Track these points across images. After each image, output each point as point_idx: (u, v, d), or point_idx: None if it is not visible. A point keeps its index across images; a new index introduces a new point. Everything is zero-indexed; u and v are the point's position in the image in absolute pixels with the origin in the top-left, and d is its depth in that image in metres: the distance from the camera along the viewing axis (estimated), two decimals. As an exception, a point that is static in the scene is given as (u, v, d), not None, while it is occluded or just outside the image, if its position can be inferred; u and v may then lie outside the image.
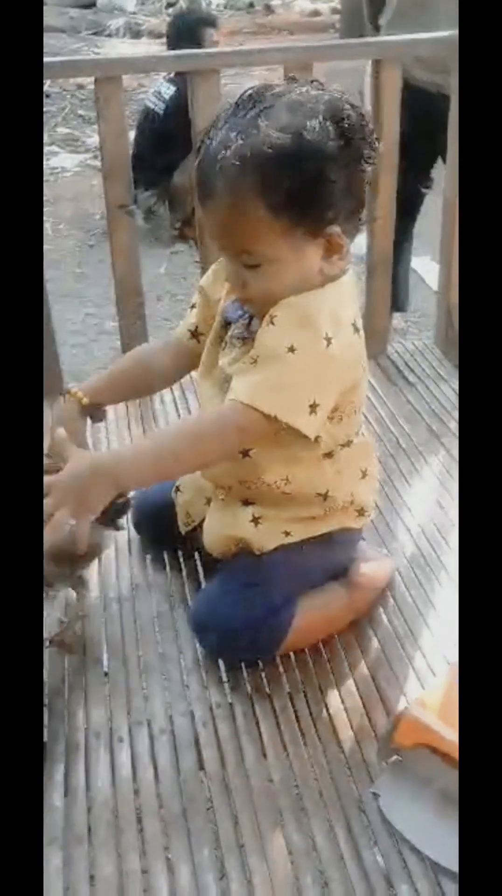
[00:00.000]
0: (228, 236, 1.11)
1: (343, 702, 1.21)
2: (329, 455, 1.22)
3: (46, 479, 1.05)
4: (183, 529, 1.41)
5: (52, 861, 1.03)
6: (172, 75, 3.67)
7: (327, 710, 1.19)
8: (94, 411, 1.32)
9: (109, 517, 1.22)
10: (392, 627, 1.33)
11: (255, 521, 1.25)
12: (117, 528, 1.28)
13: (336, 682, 1.24)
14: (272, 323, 1.09)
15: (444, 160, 2.08)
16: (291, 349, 1.07)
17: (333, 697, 1.21)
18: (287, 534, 1.25)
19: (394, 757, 1.10)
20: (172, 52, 2.42)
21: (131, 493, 1.28)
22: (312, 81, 1.12)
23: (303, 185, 1.04)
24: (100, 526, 1.20)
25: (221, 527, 1.30)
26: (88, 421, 1.33)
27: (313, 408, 1.09)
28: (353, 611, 1.33)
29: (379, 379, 2.04)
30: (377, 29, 2.37)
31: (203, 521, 1.35)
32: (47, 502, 1.03)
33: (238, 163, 1.04)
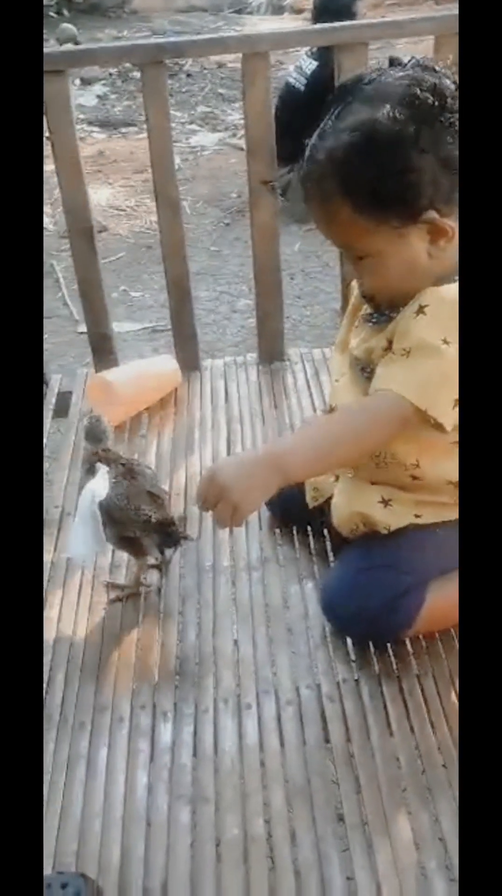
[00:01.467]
0: (328, 235, 1.14)
1: (473, 688, 1.18)
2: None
3: (211, 466, 1.08)
4: (310, 504, 1.42)
5: (181, 818, 1.06)
6: (314, 50, 3.64)
7: (456, 694, 1.18)
8: None
9: (162, 544, 1.34)
10: (526, 617, 1.29)
11: (385, 502, 1.24)
12: (163, 555, 1.37)
13: (466, 667, 1.21)
14: (423, 313, 1.08)
15: None
16: (445, 341, 1.06)
17: (463, 683, 1.19)
18: (417, 516, 1.23)
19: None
20: (320, 26, 2.39)
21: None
22: (410, 60, 1.09)
23: (382, 179, 1.04)
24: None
25: (350, 504, 1.29)
26: None
27: (456, 403, 1.08)
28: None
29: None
30: None
31: (331, 497, 1.35)
32: (209, 490, 1.05)
33: (320, 168, 1.07)
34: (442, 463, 1.20)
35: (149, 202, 1.95)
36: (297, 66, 3.84)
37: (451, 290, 1.09)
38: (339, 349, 1.32)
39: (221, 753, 1.13)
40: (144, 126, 1.87)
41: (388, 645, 1.25)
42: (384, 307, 1.18)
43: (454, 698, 1.17)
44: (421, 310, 1.09)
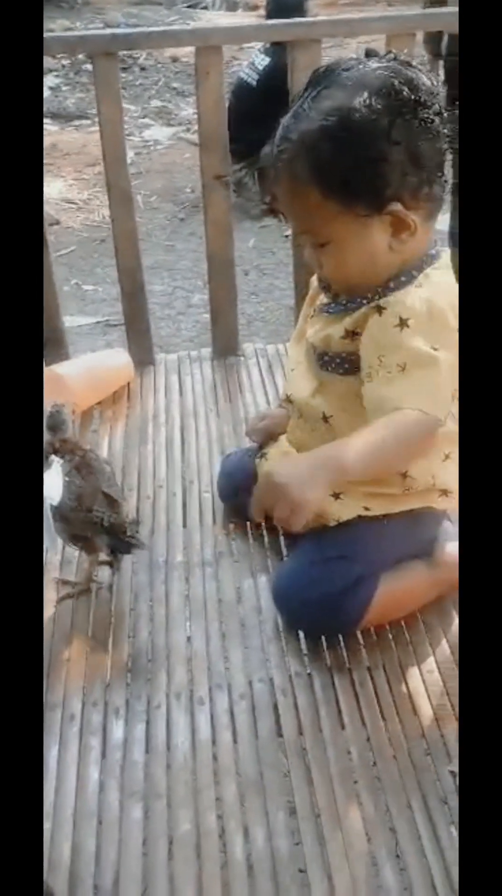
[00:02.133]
0: (293, 218, 1.14)
1: (423, 679, 1.20)
2: None
3: (265, 471, 1.12)
4: None
5: (132, 814, 1.05)
6: (268, 46, 3.65)
7: (407, 686, 1.19)
8: None
9: (114, 548, 1.32)
10: (476, 609, 1.31)
11: (336, 495, 1.25)
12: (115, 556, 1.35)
13: (417, 659, 1.23)
14: (407, 325, 1.09)
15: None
16: (434, 349, 1.08)
17: (413, 675, 1.21)
18: (366, 509, 1.25)
19: (475, 738, 1.09)
20: (273, 21, 2.40)
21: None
22: (387, 53, 1.10)
23: (351, 165, 1.04)
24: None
25: None
26: None
27: (454, 395, 1.10)
28: (436, 588, 1.32)
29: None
30: None
31: None
32: (266, 491, 1.06)
33: (292, 149, 1.06)
34: None
35: (102, 195, 1.94)
36: (250, 62, 3.84)
37: (421, 297, 1.10)
38: (296, 339, 1.33)
39: (173, 749, 1.13)
40: (97, 119, 1.85)
41: (340, 638, 1.25)
42: (341, 296, 1.19)
43: (404, 689, 1.19)
44: (403, 323, 1.09)
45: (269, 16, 3.72)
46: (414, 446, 1.13)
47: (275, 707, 1.17)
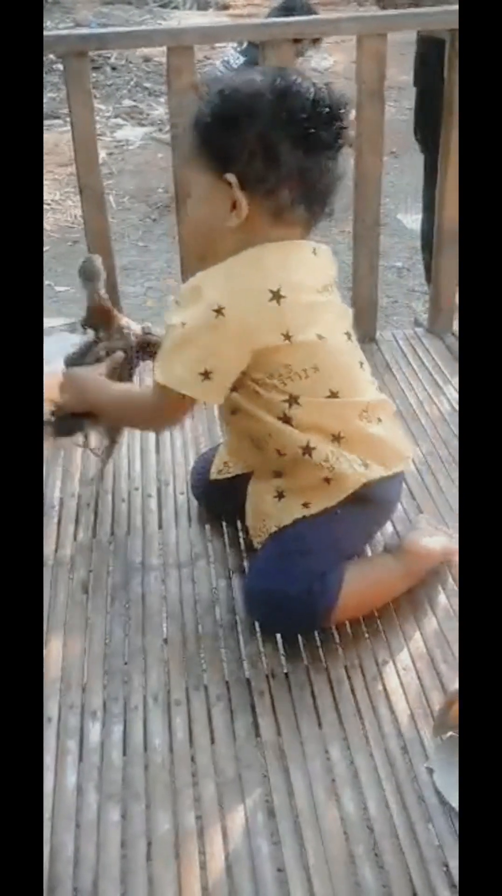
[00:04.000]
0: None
1: (399, 677, 1.21)
2: (286, 420, 1.20)
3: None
4: (213, 475, 1.45)
5: (111, 816, 1.05)
6: (244, 46, 3.65)
7: (383, 684, 1.20)
8: None
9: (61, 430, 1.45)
10: (450, 606, 1.32)
11: (279, 495, 1.27)
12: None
13: (393, 658, 1.24)
14: (176, 303, 1.19)
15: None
16: (182, 324, 1.14)
17: (390, 673, 1.21)
18: (306, 505, 1.26)
19: (450, 733, 1.10)
20: (244, 22, 2.40)
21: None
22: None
23: (214, 120, 1.14)
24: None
25: (252, 504, 1.33)
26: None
27: (206, 375, 1.14)
28: (405, 580, 1.33)
29: (445, 358, 2.02)
30: None
31: (237, 477, 1.39)
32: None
33: (201, 103, 1.18)
34: (281, 440, 1.22)
35: (74, 196, 1.94)
36: (225, 61, 3.84)
37: (199, 274, 1.18)
38: None
39: (151, 750, 1.13)
40: (69, 119, 1.84)
41: (317, 636, 1.26)
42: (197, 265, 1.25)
43: (380, 687, 1.19)
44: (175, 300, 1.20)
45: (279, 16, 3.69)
46: (143, 420, 1.40)
47: (253, 707, 1.17)
